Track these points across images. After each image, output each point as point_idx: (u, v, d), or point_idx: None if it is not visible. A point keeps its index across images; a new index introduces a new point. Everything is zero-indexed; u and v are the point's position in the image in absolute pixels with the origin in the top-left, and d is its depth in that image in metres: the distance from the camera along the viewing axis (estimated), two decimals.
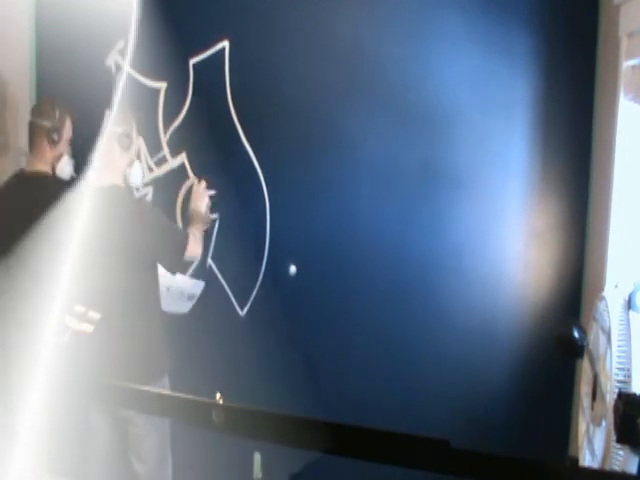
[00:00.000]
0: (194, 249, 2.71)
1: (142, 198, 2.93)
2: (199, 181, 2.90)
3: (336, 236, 2.80)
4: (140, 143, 2.98)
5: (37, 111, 2.76)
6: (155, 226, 2.61)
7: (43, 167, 2.75)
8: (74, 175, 2.85)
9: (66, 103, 2.83)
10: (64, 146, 2.79)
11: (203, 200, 2.85)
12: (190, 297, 2.97)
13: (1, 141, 3.14)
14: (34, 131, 2.74)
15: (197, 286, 2.96)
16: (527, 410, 2.75)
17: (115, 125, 2.63)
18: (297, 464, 2.74)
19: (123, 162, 2.65)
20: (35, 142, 2.74)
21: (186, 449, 2.82)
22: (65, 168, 2.80)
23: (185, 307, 2.97)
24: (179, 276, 2.84)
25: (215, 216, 2.91)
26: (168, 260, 2.65)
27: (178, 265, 2.72)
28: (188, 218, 2.84)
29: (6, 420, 2.50)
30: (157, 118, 2.99)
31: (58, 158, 2.78)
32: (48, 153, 2.75)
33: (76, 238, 2.39)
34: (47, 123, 2.72)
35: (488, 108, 2.64)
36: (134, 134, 2.72)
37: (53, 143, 2.73)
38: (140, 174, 2.73)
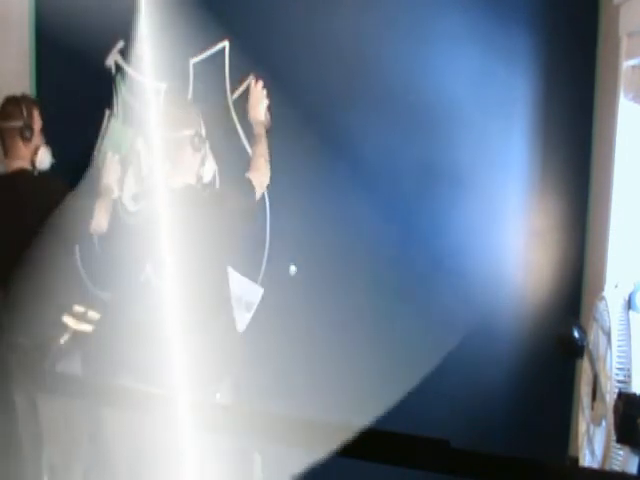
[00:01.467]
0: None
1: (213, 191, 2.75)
2: (256, 82, 2.76)
3: (336, 236, 2.80)
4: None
5: (3, 114, 2.75)
6: (232, 209, 2.50)
7: (21, 164, 2.76)
8: (54, 162, 2.84)
9: (29, 95, 2.83)
10: (38, 138, 2.80)
11: (262, 103, 2.73)
12: (248, 306, 2.77)
13: None
14: (5, 134, 2.75)
15: (255, 293, 2.79)
16: (527, 410, 2.75)
17: (184, 128, 2.49)
18: (297, 464, 2.73)
19: (196, 163, 2.55)
20: (8, 144, 2.76)
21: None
22: (44, 159, 2.81)
23: (241, 319, 2.65)
24: (235, 277, 2.67)
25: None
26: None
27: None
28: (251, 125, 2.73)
29: None
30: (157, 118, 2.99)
31: (35, 152, 2.78)
32: (24, 151, 2.76)
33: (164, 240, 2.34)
34: (16, 123, 2.72)
35: (488, 108, 2.64)
36: (203, 133, 2.62)
37: (27, 140, 2.74)
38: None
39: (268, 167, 2.64)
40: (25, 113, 2.74)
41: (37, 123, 2.80)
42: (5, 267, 2.81)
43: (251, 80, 2.78)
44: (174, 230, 2.32)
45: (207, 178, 2.64)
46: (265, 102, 2.73)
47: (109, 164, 2.87)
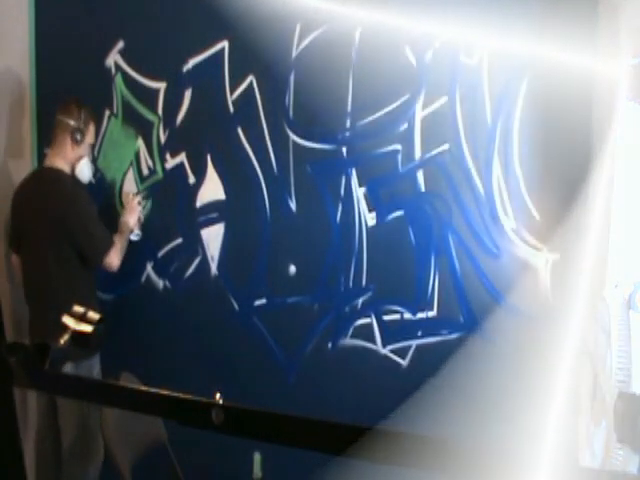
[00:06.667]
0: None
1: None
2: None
3: (336, 236, 2.80)
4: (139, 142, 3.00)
5: (64, 109, 2.80)
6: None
7: (61, 165, 2.80)
8: (92, 180, 2.91)
9: (92, 109, 2.88)
10: (85, 149, 2.84)
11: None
12: None
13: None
14: (58, 128, 2.79)
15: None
16: (527, 410, 2.74)
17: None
18: (297, 464, 2.74)
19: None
20: (58, 139, 2.79)
21: (186, 449, 2.82)
22: (84, 170, 2.85)
23: None
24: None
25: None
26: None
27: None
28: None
29: None
30: (157, 118, 2.99)
31: (78, 159, 2.82)
32: (69, 152, 2.80)
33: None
34: (72, 122, 2.77)
35: (487, 107, 2.63)
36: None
37: (76, 143, 2.78)
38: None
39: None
40: (83, 118, 2.79)
41: (89, 136, 2.85)
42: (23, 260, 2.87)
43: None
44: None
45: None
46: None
47: (131, 205, 2.94)
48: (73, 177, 2.82)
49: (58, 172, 2.79)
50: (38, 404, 2.92)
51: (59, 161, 2.80)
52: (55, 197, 2.77)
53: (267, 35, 2.77)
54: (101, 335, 1.46)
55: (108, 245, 2.80)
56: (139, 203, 2.96)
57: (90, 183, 2.93)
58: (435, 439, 1.06)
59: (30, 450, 2.93)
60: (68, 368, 2.66)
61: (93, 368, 2.80)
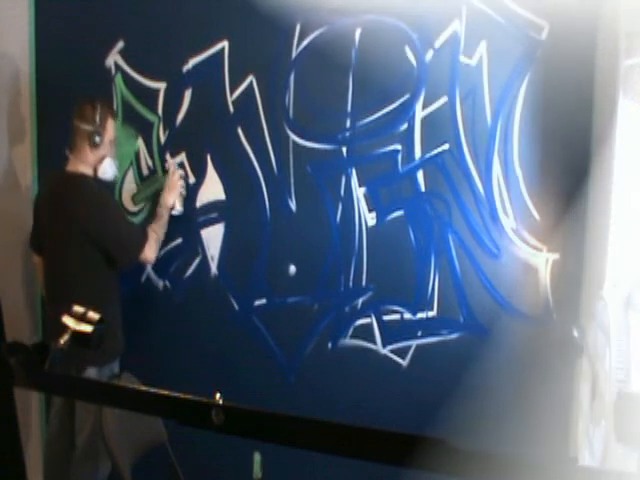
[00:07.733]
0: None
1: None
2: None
3: (336, 236, 2.80)
4: (139, 143, 3.01)
5: (78, 114, 2.76)
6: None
7: (84, 169, 2.77)
8: (117, 175, 2.90)
9: (109, 104, 2.87)
10: (106, 148, 2.81)
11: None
12: None
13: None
14: (76, 134, 2.77)
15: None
16: (527, 410, 2.75)
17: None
18: (297, 464, 2.74)
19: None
20: (77, 144, 2.77)
21: (186, 449, 2.82)
22: (108, 169, 2.82)
23: None
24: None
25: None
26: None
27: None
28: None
29: None
30: (157, 118, 2.99)
31: (100, 160, 2.79)
32: (90, 156, 2.77)
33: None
34: (88, 127, 2.73)
35: (486, 107, 2.63)
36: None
37: (94, 146, 2.75)
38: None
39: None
40: (98, 120, 2.75)
41: (109, 133, 2.81)
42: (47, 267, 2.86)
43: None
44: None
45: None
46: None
47: (172, 179, 2.92)
48: (95, 180, 2.79)
49: (80, 177, 2.76)
50: (53, 404, 2.91)
51: (80, 165, 2.77)
52: (78, 203, 2.73)
53: (267, 35, 2.78)
54: (101, 335, 1.46)
55: (139, 242, 2.76)
56: (181, 177, 2.93)
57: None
58: (435, 439, 1.06)
59: (31, 450, 2.93)
60: (92, 373, 2.68)
61: (113, 371, 2.81)
